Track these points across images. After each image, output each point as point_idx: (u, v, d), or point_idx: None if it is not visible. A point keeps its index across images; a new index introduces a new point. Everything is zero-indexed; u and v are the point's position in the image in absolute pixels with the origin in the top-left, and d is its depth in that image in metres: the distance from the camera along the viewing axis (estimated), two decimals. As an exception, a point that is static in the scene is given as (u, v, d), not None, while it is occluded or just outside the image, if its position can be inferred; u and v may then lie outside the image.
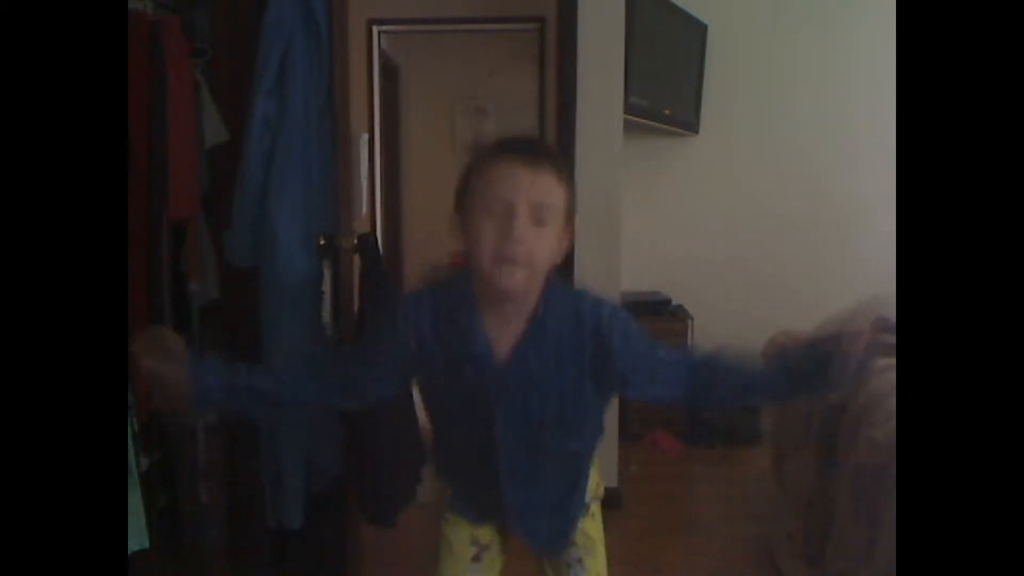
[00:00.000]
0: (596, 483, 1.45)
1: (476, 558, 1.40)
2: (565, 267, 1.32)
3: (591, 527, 1.43)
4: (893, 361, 2.19)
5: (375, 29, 4.77)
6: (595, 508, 1.45)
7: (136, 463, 1.71)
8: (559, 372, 1.25)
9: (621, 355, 1.24)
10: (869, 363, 1.23)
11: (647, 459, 3.58)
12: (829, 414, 2.24)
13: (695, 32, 3.91)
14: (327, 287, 2.11)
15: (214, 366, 1.31)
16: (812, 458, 2.30)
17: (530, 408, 1.26)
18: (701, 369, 1.28)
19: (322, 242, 2.06)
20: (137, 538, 1.60)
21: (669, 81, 3.75)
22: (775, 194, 4.06)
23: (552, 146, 1.25)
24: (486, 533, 1.41)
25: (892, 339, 2.56)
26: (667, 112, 3.77)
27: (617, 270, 2.93)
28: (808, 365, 1.22)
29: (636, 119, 3.41)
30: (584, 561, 1.41)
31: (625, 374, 1.26)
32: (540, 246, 1.16)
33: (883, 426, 1.91)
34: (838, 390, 1.29)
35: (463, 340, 1.23)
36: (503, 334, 1.23)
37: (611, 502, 3.01)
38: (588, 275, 2.46)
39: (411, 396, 2.18)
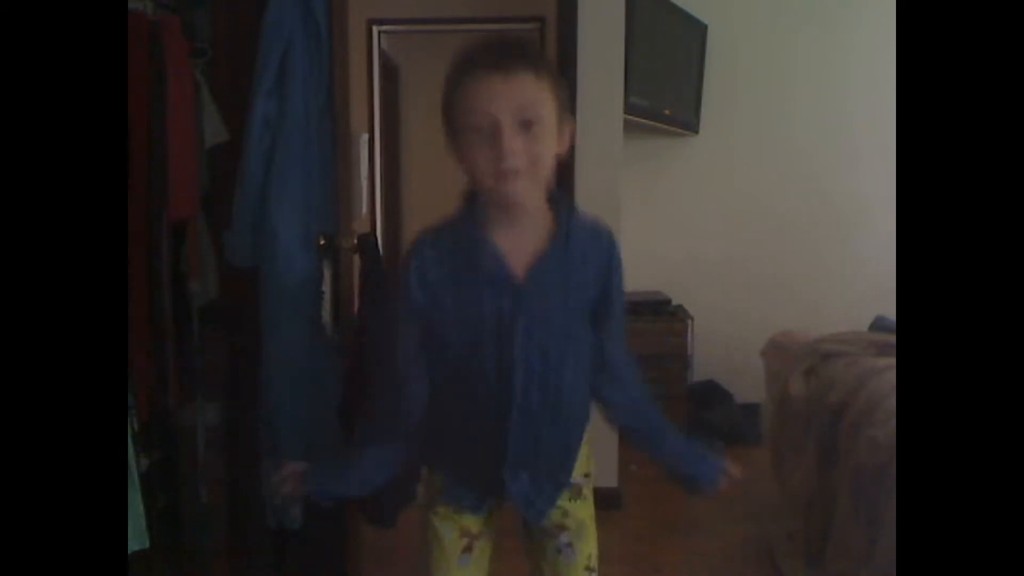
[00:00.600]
0: (587, 459, 1.43)
1: (467, 549, 1.38)
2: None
3: (582, 510, 1.41)
4: (893, 361, 2.20)
5: (375, 29, 4.77)
6: (587, 491, 1.43)
7: (136, 463, 1.71)
8: (572, 299, 1.25)
9: (610, 302, 1.28)
10: None
11: (647, 459, 3.57)
12: (829, 414, 2.24)
13: (695, 32, 3.91)
14: (327, 287, 2.11)
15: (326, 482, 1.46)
16: (812, 458, 2.30)
17: (547, 330, 1.24)
18: (624, 370, 1.38)
19: (322, 242, 2.06)
20: (137, 538, 1.60)
21: (669, 81, 3.75)
22: (775, 194, 4.06)
23: (528, 45, 1.21)
24: (475, 523, 1.38)
25: (892, 339, 2.57)
26: (667, 112, 3.77)
27: (617, 270, 2.93)
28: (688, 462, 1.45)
29: (636, 119, 3.41)
30: (575, 545, 1.39)
31: (609, 311, 1.29)
32: (534, 151, 1.14)
33: (883, 426, 1.91)
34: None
35: (475, 258, 1.21)
36: (519, 252, 1.21)
37: (611, 502, 3.02)
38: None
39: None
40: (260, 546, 2.20)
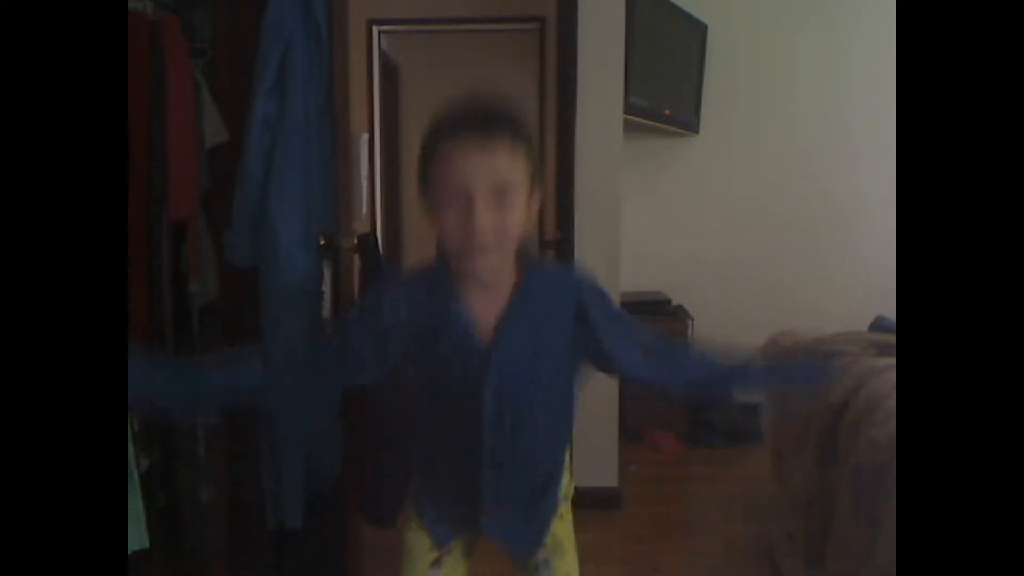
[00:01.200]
0: (567, 483, 1.43)
1: (436, 563, 1.37)
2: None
3: (559, 528, 1.39)
4: (893, 361, 2.19)
5: (375, 29, 4.77)
6: (564, 509, 1.41)
7: (136, 463, 1.71)
8: (544, 349, 1.24)
9: (603, 330, 1.26)
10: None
11: (647, 459, 3.58)
12: (829, 414, 2.24)
13: (695, 32, 3.91)
14: (327, 287, 2.11)
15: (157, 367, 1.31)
16: (812, 458, 2.30)
17: (516, 388, 1.24)
18: (670, 348, 1.36)
19: (322, 242, 2.06)
20: (137, 538, 1.60)
21: (669, 81, 3.75)
22: (775, 194, 4.07)
23: (506, 109, 1.18)
24: (446, 538, 1.38)
25: (892, 339, 2.57)
26: (667, 112, 3.77)
27: (617, 270, 2.93)
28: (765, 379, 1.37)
29: (636, 119, 3.41)
30: (552, 562, 1.38)
31: (603, 345, 1.27)
32: (505, 226, 1.14)
33: (883, 426, 1.91)
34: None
35: (444, 322, 1.22)
36: (485, 313, 1.22)
37: (611, 502, 3.02)
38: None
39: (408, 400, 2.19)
40: (260, 546, 2.20)
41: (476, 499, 1.30)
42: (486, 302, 1.22)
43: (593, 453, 2.97)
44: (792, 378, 1.45)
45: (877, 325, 2.86)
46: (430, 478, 1.39)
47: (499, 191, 1.12)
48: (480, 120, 1.15)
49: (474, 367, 1.22)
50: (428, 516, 1.38)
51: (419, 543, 1.38)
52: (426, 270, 1.27)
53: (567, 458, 1.41)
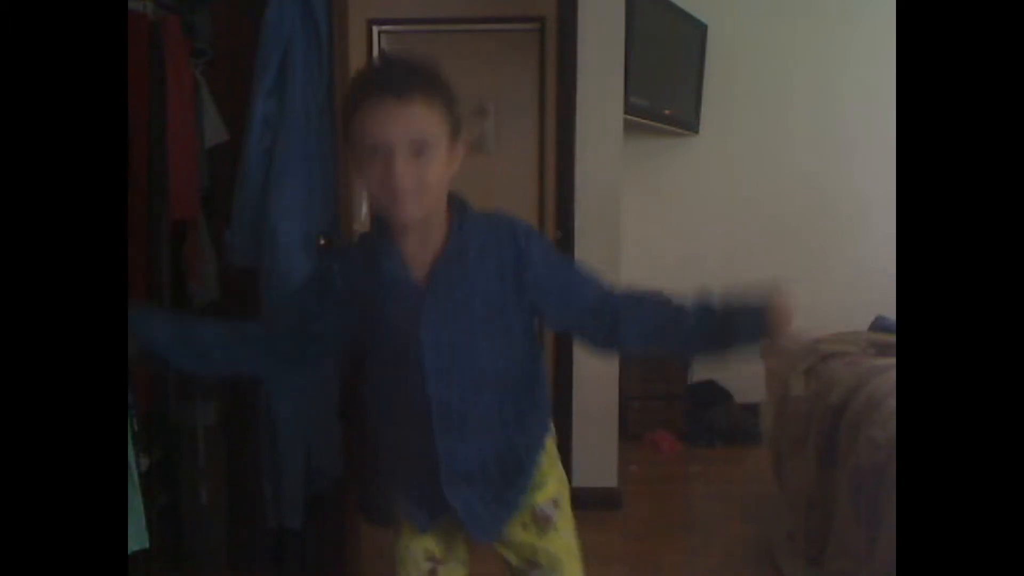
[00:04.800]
0: (557, 480, 1.37)
1: (431, 572, 1.36)
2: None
3: (554, 543, 1.35)
4: (893, 361, 2.19)
5: (375, 29, 4.77)
6: (561, 521, 1.36)
7: (136, 463, 1.71)
8: (480, 289, 1.25)
9: (539, 269, 1.26)
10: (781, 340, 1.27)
11: (647, 459, 3.58)
12: (829, 414, 2.24)
13: (695, 32, 3.90)
14: (327, 287, 2.10)
15: (160, 318, 1.36)
16: (812, 458, 2.30)
17: (459, 332, 1.24)
18: (617, 299, 1.29)
19: (322, 242, 2.06)
20: (137, 538, 1.60)
21: (669, 81, 3.75)
22: (775, 194, 4.06)
23: (421, 68, 1.21)
24: (440, 547, 1.36)
25: (892, 339, 2.57)
26: (667, 112, 3.77)
27: (617, 270, 2.93)
28: (725, 318, 1.27)
29: (636, 119, 3.41)
30: None
31: (542, 290, 1.27)
32: (425, 173, 1.18)
33: (883, 426, 1.91)
34: (740, 352, 1.30)
35: (381, 273, 1.25)
36: (419, 261, 1.25)
37: (611, 502, 3.02)
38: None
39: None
40: (260, 546, 2.20)
41: (436, 468, 1.28)
42: (420, 251, 1.25)
43: (593, 453, 2.97)
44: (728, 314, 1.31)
45: (877, 325, 2.86)
46: (392, 453, 1.37)
47: (416, 144, 1.16)
48: (395, 78, 1.19)
49: (410, 314, 1.23)
50: (404, 506, 1.36)
51: (411, 553, 1.36)
52: (364, 235, 1.32)
53: (544, 452, 1.35)
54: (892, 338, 2.48)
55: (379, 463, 1.41)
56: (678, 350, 1.38)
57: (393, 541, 1.40)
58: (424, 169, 1.17)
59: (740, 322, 1.28)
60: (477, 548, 1.42)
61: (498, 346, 1.28)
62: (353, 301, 1.28)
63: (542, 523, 1.35)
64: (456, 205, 1.27)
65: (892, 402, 1.93)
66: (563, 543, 1.36)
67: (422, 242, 1.25)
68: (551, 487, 1.36)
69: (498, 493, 1.32)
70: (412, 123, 1.16)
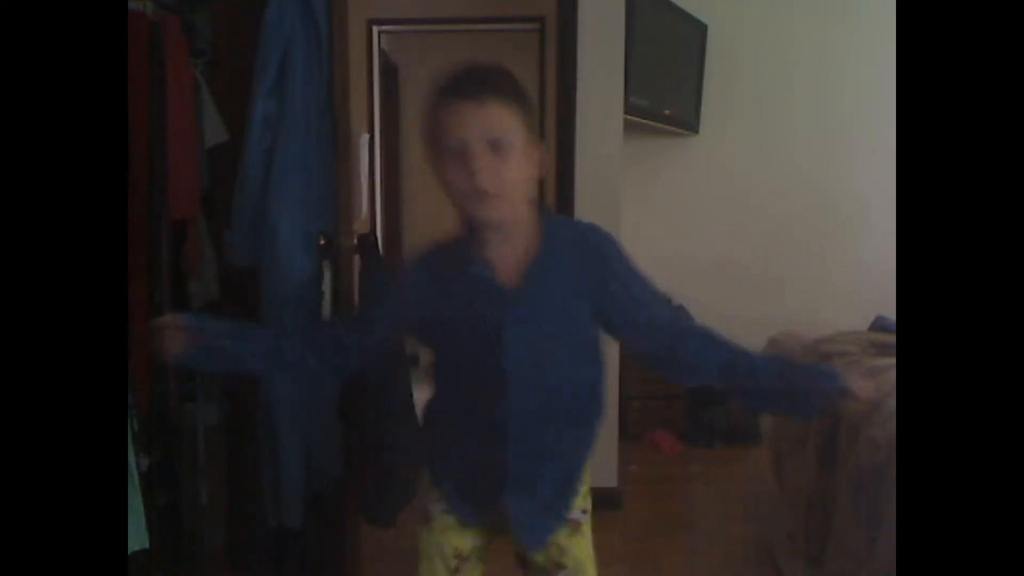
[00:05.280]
0: (586, 493, 1.41)
1: (456, 570, 1.38)
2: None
3: (581, 548, 1.38)
4: (893, 361, 2.19)
5: (375, 29, 4.78)
6: (586, 527, 1.40)
7: (136, 463, 1.71)
8: (564, 298, 1.27)
9: (619, 283, 1.28)
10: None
11: (647, 459, 3.58)
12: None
13: (695, 32, 3.90)
14: (327, 287, 2.11)
15: (215, 331, 1.38)
16: (812, 458, 2.30)
17: (542, 340, 1.26)
18: (686, 327, 1.32)
19: (322, 242, 2.06)
20: (137, 538, 1.60)
21: (669, 81, 3.75)
22: (775, 194, 4.06)
23: (499, 71, 1.25)
24: (466, 544, 1.38)
25: (892, 339, 2.56)
26: (667, 112, 3.77)
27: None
28: (795, 380, 1.27)
29: (636, 119, 3.41)
30: None
31: (619, 304, 1.28)
32: (504, 171, 1.20)
33: (883, 426, 1.91)
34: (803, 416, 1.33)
35: (468, 273, 1.26)
36: (509, 265, 1.26)
37: (611, 502, 3.01)
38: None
39: (411, 396, 2.19)
40: (260, 546, 2.20)
41: (501, 474, 1.30)
42: (507, 255, 1.26)
43: (593, 453, 2.96)
44: (801, 378, 1.30)
45: (877, 325, 2.86)
46: (456, 454, 1.36)
47: (494, 144, 1.19)
48: (473, 80, 1.23)
49: (497, 314, 1.25)
50: (452, 498, 1.37)
51: (440, 549, 1.38)
52: (450, 238, 1.32)
53: (587, 460, 1.39)
54: (892, 338, 2.47)
55: (435, 456, 1.41)
56: (738, 394, 1.35)
57: (420, 534, 1.41)
58: (502, 167, 1.20)
59: (813, 389, 1.26)
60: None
61: (575, 356, 1.31)
62: (431, 305, 1.29)
63: (574, 528, 1.38)
64: (544, 211, 1.30)
65: (892, 402, 1.93)
66: (587, 551, 1.40)
67: (509, 246, 1.26)
68: (583, 496, 1.41)
69: (551, 504, 1.35)
70: (488, 123, 1.19)
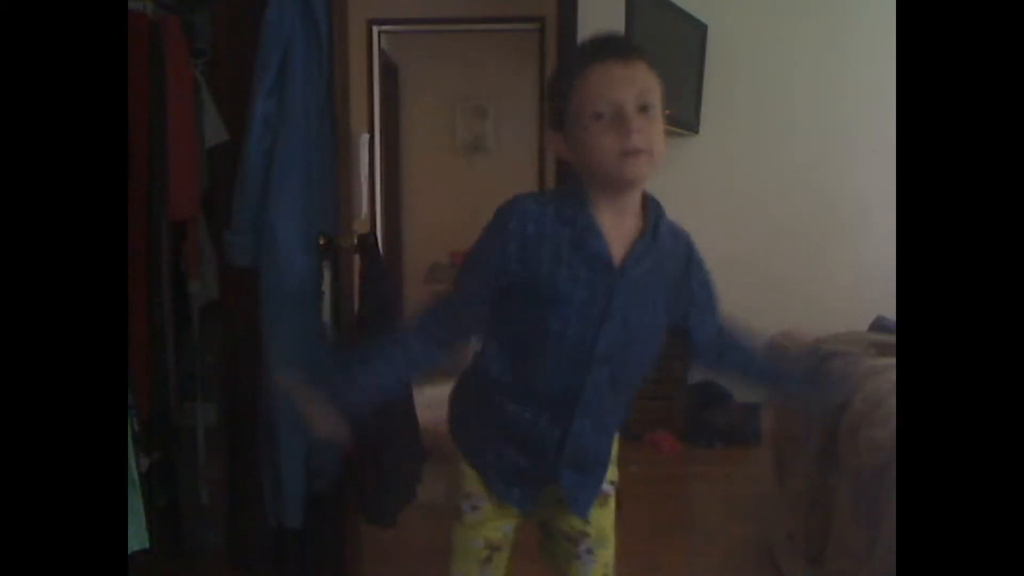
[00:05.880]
0: (614, 462, 1.45)
1: (487, 560, 1.39)
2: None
3: (605, 519, 1.42)
4: (893, 361, 2.19)
5: (375, 29, 4.78)
6: (612, 500, 1.44)
7: (136, 463, 1.71)
8: (661, 281, 1.29)
9: (698, 278, 1.36)
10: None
11: (647, 459, 3.58)
12: (829, 414, 2.24)
13: (695, 32, 3.90)
14: (327, 287, 2.11)
15: (350, 378, 1.29)
16: (812, 458, 2.30)
17: (632, 321, 1.26)
18: (736, 330, 1.44)
19: (322, 242, 2.06)
20: (137, 538, 1.60)
21: (669, 81, 3.72)
22: (775, 194, 4.06)
23: (629, 39, 1.29)
24: (498, 534, 1.39)
25: (892, 339, 2.56)
26: (667, 112, 3.76)
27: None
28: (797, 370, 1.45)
29: (636, 119, 3.41)
30: (595, 551, 1.41)
31: (694, 298, 1.35)
32: (654, 131, 1.20)
33: (883, 426, 1.91)
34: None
35: (578, 238, 1.23)
36: (617, 238, 1.24)
37: (611, 502, 3.02)
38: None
39: (411, 396, 2.19)
40: (260, 546, 2.20)
41: (558, 448, 1.30)
42: (619, 226, 1.25)
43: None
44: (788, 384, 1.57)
45: (877, 325, 2.86)
46: (512, 422, 1.32)
47: (643, 104, 1.19)
48: (621, 45, 1.24)
49: (602, 287, 1.23)
50: (497, 486, 1.36)
51: (473, 542, 1.38)
52: (555, 191, 1.32)
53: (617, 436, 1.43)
54: (892, 338, 2.47)
55: (476, 443, 1.38)
56: (754, 383, 1.56)
57: (453, 529, 1.41)
58: (652, 127, 1.20)
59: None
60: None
61: (652, 338, 1.33)
62: (532, 264, 1.23)
63: (603, 499, 1.42)
64: (648, 198, 1.30)
65: (892, 402, 1.93)
66: (610, 521, 1.44)
67: (620, 221, 1.25)
68: (613, 467, 1.44)
69: (599, 476, 1.40)
70: (640, 84, 1.20)
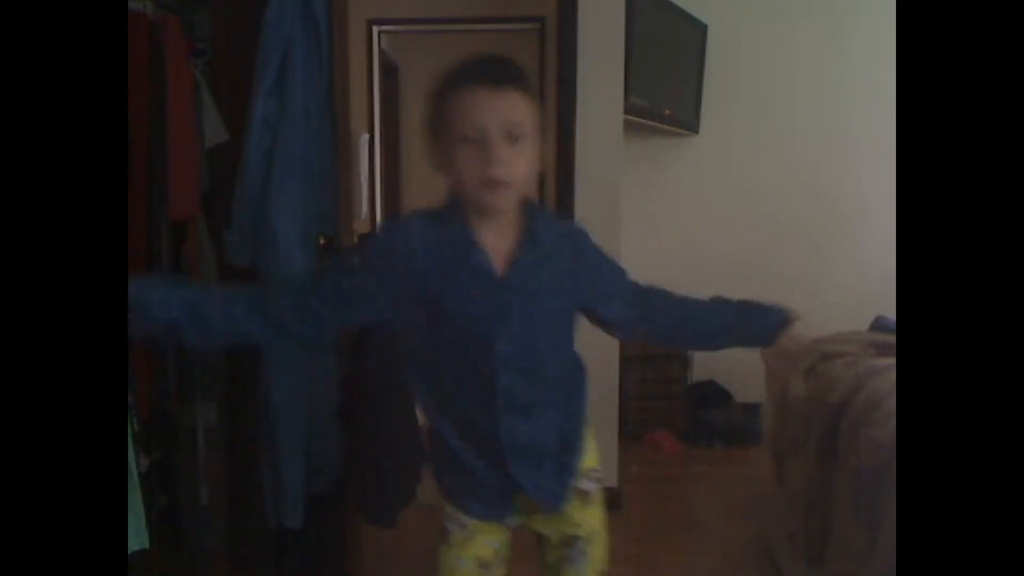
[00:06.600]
0: (592, 450, 1.44)
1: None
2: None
3: (593, 518, 1.44)
4: (893, 361, 2.19)
5: (375, 29, 4.78)
6: (596, 496, 1.45)
7: (136, 463, 1.71)
8: (551, 286, 1.30)
9: (592, 269, 1.36)
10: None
11: (647, 459, 3.58)
12: (829, 414, 2.24)
13: (695, 32, 3.90)
14: (327, 287, 2.10)
15: (162, 290, 1.25)
16: (812, 458, 2.30)
17: (528, 324, 1.28)
18: (648, 292, 1.43)
19: (322, 242, 2.06)
20: (137, 538, 1.60)
21: (669, 81, 3.75)
22: (775, 194, 4.06)
23: (513, 63, 1.25)
24: (486, 551, 1.39)
25: (892, 339, 2.57)
26: (667, 112, 3.77)
27: (617, 270, 2.93)
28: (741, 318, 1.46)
29: (636, 119, 3.41)
30: (587, 551, 1.42)
31: (593, 287, 1.36)
32: (519, 163, 1.20)
33: (883, 426, 1.91)
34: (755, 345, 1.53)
35: (461, 255, 1.25)
36: (497, 252, 1.26)
37: (611, 502, 3.00)
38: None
39: (410, 396, 2.19)
40: (260, 546, 2.20)
41: (500, 448, 1.30)
42: (498, 242, 1.27)
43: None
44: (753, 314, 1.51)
45: (877, 325, 2.86)
46: (447, 439, 1.35)
47: (510, 132, 1.19)
48: (491, 68, 1.23)
49: (487, 304, 1.25)
50: (460, 499, 1.37)
51: (463, 563, 1.37)
52: (434, 210, 1.30)
53: (587, 429, 1.43)
54: (892, 338, 2.47)
55: (444, 461, 1.39)
56: (694, 341, 1.57)
57: (438, 550, 1.40)
58: (519, 158, 1.20)
59: (754, 323, 1.48)
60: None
61: (558, 337, 1.34)
62: (413, 282, 1.25)
63: (584, 496, 1.42)
64: (528, 204, 1.30)
65: (892, 402, 1.93)
66: (599, 518, 1.46)
67: (499, 234, 1.27)
68: (591, 456, 1.44)
69: (558, 460, 1.38)
70: (508, 112, 1.19)
